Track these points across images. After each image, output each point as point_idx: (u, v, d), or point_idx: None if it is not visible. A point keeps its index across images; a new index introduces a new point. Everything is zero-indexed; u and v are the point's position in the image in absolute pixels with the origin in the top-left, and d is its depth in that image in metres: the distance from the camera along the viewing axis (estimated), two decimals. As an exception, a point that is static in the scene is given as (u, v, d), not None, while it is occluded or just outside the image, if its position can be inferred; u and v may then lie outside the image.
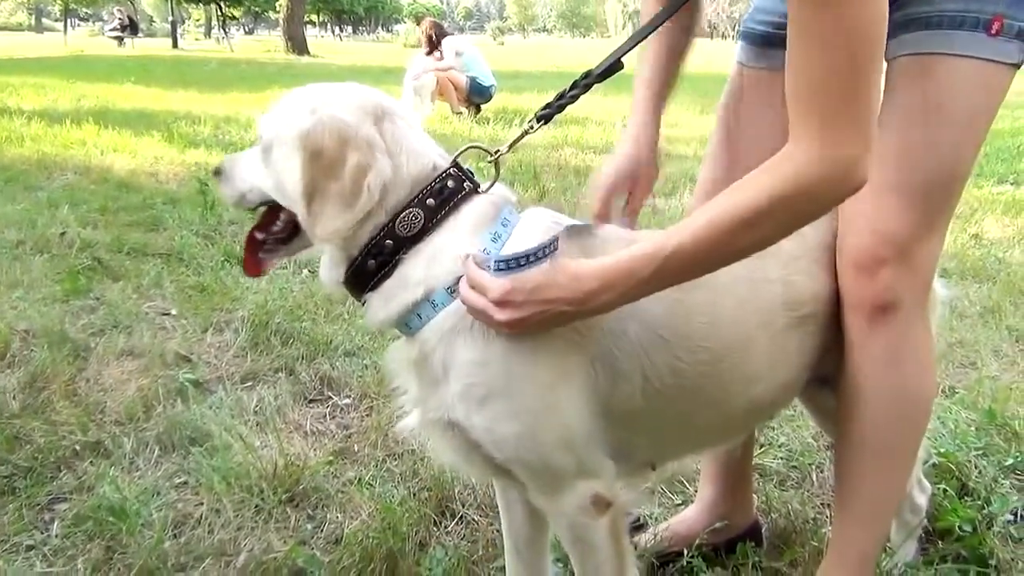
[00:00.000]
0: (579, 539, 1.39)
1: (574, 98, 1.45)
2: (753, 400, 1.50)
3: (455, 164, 1.37)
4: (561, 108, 1.46)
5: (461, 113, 9.86)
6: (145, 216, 4.76)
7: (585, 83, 1.45)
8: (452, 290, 1.28)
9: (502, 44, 60.36)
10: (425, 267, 1.30)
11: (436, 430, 1.36)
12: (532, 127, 1.46)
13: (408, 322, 1.31)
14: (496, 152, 1.42)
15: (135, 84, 12.91)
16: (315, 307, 3.41)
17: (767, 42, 1.62)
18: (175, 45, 34.89)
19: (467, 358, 1.28)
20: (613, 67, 1.45)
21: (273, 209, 1.44)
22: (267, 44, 36.65)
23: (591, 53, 29.53)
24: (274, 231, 1.45)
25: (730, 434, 1.65)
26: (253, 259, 1.48)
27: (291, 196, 1.32)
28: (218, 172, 1.47)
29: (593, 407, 1.32)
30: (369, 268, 1.32)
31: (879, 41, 1.11)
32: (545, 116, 1.45)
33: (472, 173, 1.38)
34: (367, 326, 1.42)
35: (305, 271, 3.80)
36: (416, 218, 1.31)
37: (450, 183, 1.33)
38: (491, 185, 1.37)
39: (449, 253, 1.30)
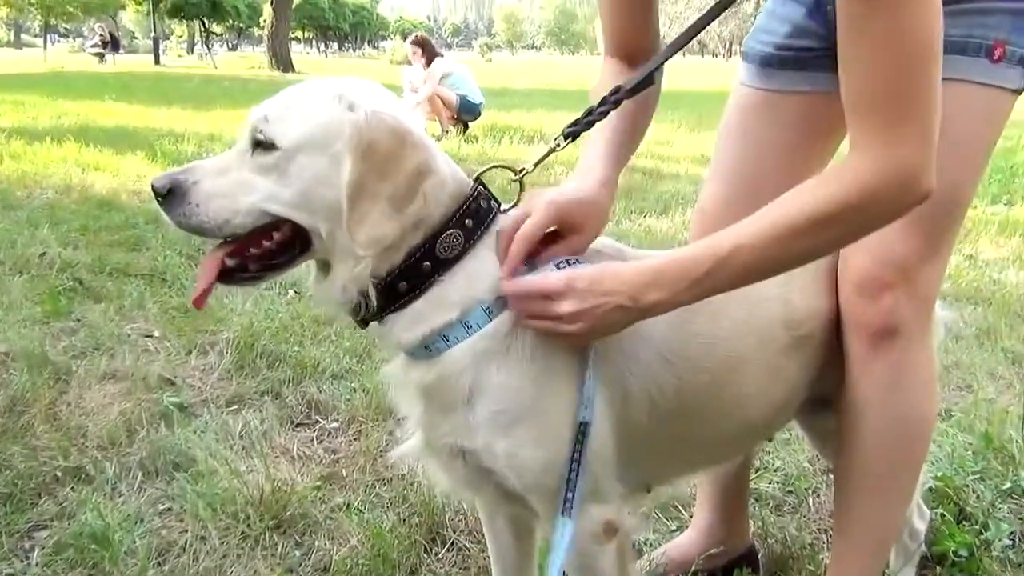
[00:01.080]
0: (587, 566, 1.38)
1: (603, 115, 1.42)
2: (751, 420, 1.52)
3: (480, 182, 1.35)
4: (590, 124, 1.43)
5: (449, 132, 9.91)
6: (127, 236, 4.75)
7: (615, 99, 1.42)
8: (490, 310, 1.26)
9: (490, 61, 60.65)
10: (464, 288, 1.26)
11: (442, 456, 1.35)
12: (559, 144, 1.43)
13: (431, 344, 1.27)
14: (521, 171, 1.41)
15: (116, 101, 12.90)
16: (302, 329, 3.41)
17: (769, 63, 1.63)
18: (157, 61, 34.92)
19: (500, 382, 1.26)
20: (643, 83, 1.42)
21: (261, 230, 1.27)
22: (251, 60, 36.72)
23: (581, 70, 29.72)
24: (254, 254, 1.28)
25: (728, 454, 1.67)
26: (210, 290, 1.27)
27: (322, 207, 1.23)
28: (170, 194, 1.23)
29: (611, 429, 1.33)
30: (399, 290, 1.26)
31: (936, 42, 1.12)
32: (572, 133, 1.43)
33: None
34: (385, 348, 1.36)
35: (291, 292, 3.80)
36: (457, 240, 1.26)
37: (482, 202, 1.31)
38: (513, 205, 1.36)
39: (488, 274, 1.27)
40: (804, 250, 1.21)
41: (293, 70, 26.91)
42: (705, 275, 1.20)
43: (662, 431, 1.40)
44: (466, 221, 1.28)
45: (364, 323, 1.33)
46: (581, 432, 1.26)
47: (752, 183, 1.65)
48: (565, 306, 1.21)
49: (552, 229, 1.30)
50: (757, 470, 2.38)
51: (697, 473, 1.82)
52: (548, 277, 1.24)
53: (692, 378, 1.39)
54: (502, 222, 1.31)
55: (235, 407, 2.79)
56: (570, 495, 1.27)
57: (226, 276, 1.28)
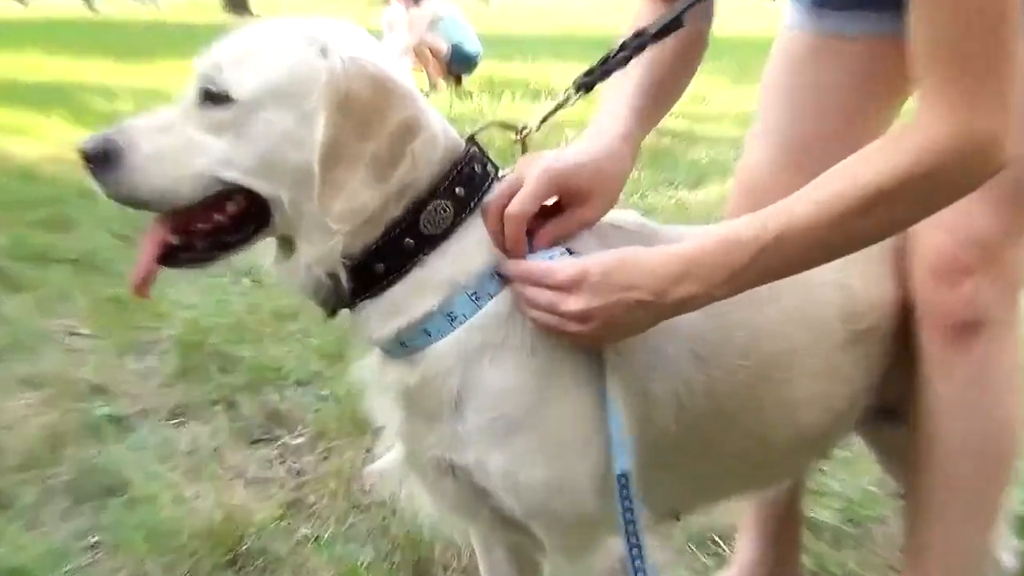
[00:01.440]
0: None
1: (623, 62, 1.40)
2: (799, 432, 1.51)
3: (475, 142, 1.33)
4: (607, 74, 1.41)
5: (438, 87, 9.89)
6: (52, 213, 4.75)
7: (637, 44, 1.40)
8: (477, 296, 1.25)
9: (487, 3, 60.65)
10: (451, 271, 1.25)
11: (428, 474, 1.34)
12: (569, 98, 1.42)
13: (408, 340, 1.27)
14: (523, 130, 1.40)
15: (41, 53, 12.89)
16: (260, 325, 3.40)
17: (820, 3, 1.62)
18: (90, 6, 34.92)
19: (494, 384, 1.25)
20: (671, 25, 1.40)
21: (212, 201, 1.25)
22: (200, 2, 36.69)
23: (596, 14, 29.64)
24: (203, 230, 1.27)
25: (772, 475, 1.66)
26: (152, 273, 1.25)
27: (287, 172, 1.21)
28: (105, 158, 1.21)
29: (631, 440, 1.30)
30: (376, 273, 1.25)
31: None
32: (586, 84, 1.41)
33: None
34: (361, 340, 1.35)
35: (246, 279, 3.79)
36: (445, 212, 1.25)
37: (477, 167, 1.30)
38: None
39: (480, 254, 1.26)
40: (865, 231, 1.20)
41: (249, 12, 26.81)
42: (746, 265, 1.18)
43: (692, 442, 1.39)
44: (456, 189, 1.26)
45: (334, 311, 1.32)
46: (622, 486, 1.24)
47: (802, 147, 1.64)
48: (574, 303, 1.19)
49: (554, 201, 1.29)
50: (812, 494, 2.36)
51: (737, 498, 1.81)
52: (554, 267, 1.22)
53: (728, 378, 1.38)
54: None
55: (180, 419, 2.78)
56: (639, 563, 1.26)
57: (169, 257, 1.27)
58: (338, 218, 1.19)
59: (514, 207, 1.24)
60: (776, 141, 1.72)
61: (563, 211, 1.30)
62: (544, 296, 1.21)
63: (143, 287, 1.25)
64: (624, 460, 1.24)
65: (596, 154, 1.33)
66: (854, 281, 1.49)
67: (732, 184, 1.84)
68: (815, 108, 1.66)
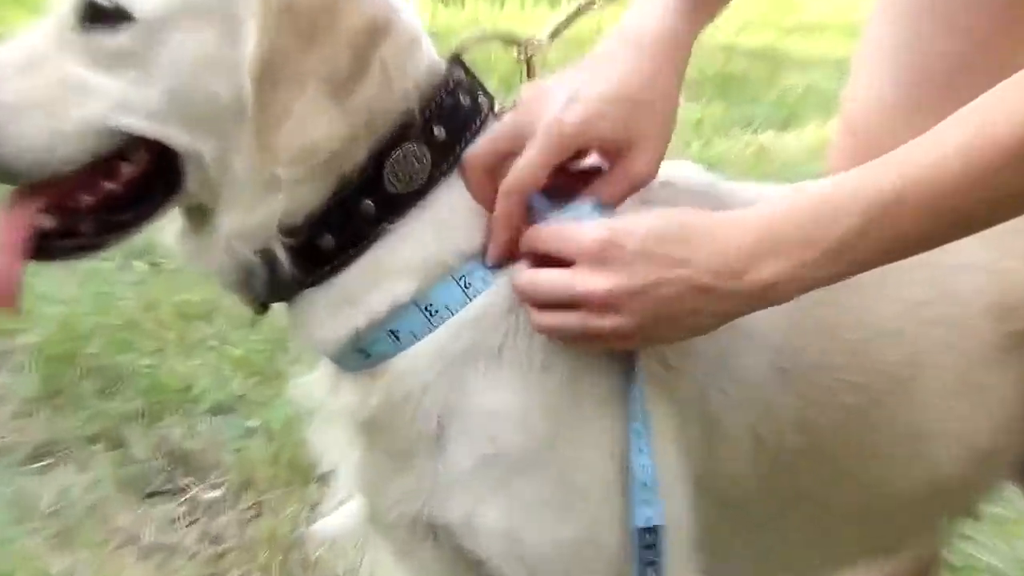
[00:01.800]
0: None
1: None
2: (930, 479, 1.51)
3: (460, 63, 1.33)
4: None
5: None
6: None
7: None
8: (467, 282, 1.25)
9: None
10: (427, 246, 1.25)
11: (398, 535, 1.35)
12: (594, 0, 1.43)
13: (370, 345, 1.27)
14: (527, 44, 1.40)
15: None
16: (159, 327, 3.41)
17: None
18: None
19: (490, 406, 1.25)
20: None
21: (102, 164, 1.23)
22: None
23: None
24: (89, 205, 1.25)
25: (892, 540, 1.67)
26: (20, 275, 1.21)
27: (210, 110, 1.21)
28: None
29: (690, 493, 1.31)
30: (324, 248, 1.25)
31: None
32: None
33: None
34: (303, 347, 1.36)
35: (139, 263, 3.77)
36: (420, 160, 1.25)
37: (463, 98, 1.30)
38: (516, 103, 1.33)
39: (470, 221, 1.26)
40: (1015, 191, 1.15)
41: None
42: (848, 238, 1.15)
43: (777, 492, 1.40)
44: (435, 130, 1.27)
45: (265, 306, 1.33)
46: (648, 544, 1.24)
47: (933, 71, 1.65)
48: (597, 281, 1.17)
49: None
50: (949, 568, 2.37)
51: (843, 571, 1.82)
52: (570, 229, 1.21)
53: (825, 401, 1.38)
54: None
55: (43, 462, 2.79)
56: None
57: (41, 248, 1.24)
58: (287, 157, 1.18)
59: (512, 179, 1.23)
60: (897, 63, 1.72)
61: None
62: (555, 279, 1.20)
63: (11, 297, 1.22)
64: (654, 510, 1.23)
65: (626, 77, 1.30)
66: (1010, 262, 1.49)
67: (836, 123, 1.85)
68: (950, 25, 1.66)
